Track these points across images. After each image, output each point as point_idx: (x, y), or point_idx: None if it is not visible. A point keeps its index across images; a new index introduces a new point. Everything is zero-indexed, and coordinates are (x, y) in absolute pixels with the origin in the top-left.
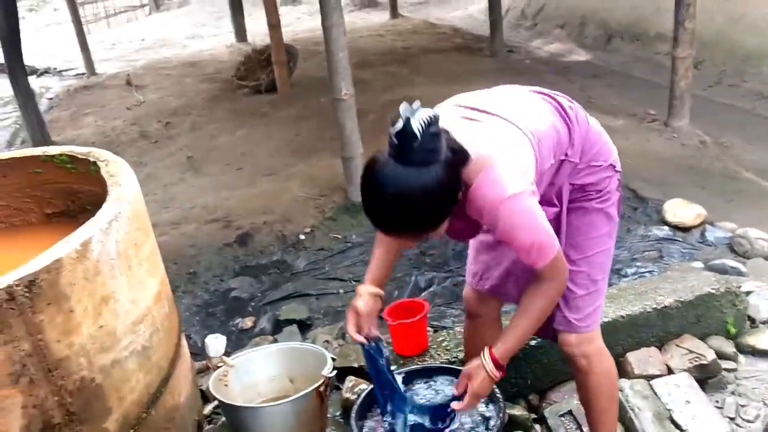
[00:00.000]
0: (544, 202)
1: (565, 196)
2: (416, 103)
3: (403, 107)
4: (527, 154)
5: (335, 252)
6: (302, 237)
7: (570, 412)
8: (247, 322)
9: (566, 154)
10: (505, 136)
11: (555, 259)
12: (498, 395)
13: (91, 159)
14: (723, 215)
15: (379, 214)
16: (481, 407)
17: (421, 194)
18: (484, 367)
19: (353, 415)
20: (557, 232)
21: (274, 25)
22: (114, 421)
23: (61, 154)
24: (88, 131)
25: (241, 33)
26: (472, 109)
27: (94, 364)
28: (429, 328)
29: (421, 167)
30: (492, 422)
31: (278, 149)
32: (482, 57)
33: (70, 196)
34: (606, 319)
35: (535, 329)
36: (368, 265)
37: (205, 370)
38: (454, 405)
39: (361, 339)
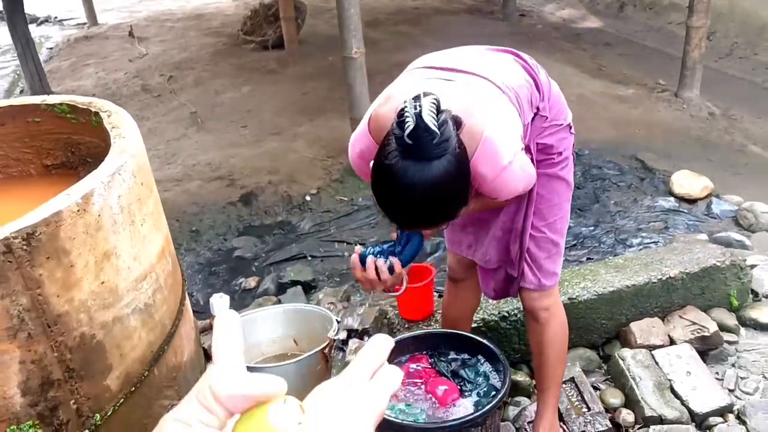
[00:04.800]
0: None
1: (533, 154)
2: (418, 97)
3: (409, 105)
4: (511, 111)
5: (341, 214)
6: (308, 198)
7: (572, 380)
8: (251, 282)
9: (538, 108)
10: (486, 95)
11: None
12: (504, 362)
13: (93, 109)
14: (729, 188)
15: (416, 216)
16: (491, 374)
17: (453, 181)
18: None
19: None
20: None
21: None
22: (115, 379)
23: (61, 104)
24: (89, 82)
25: None
26: (444, 69)
27: (95, 321)
28: (435, 293)
29: (441, 157)
30: (497, 391)
31: (285, 108)
32: (494, 20)
33: (70, 147)
34: (611, 289)
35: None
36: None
37: (208, 329)
38: None
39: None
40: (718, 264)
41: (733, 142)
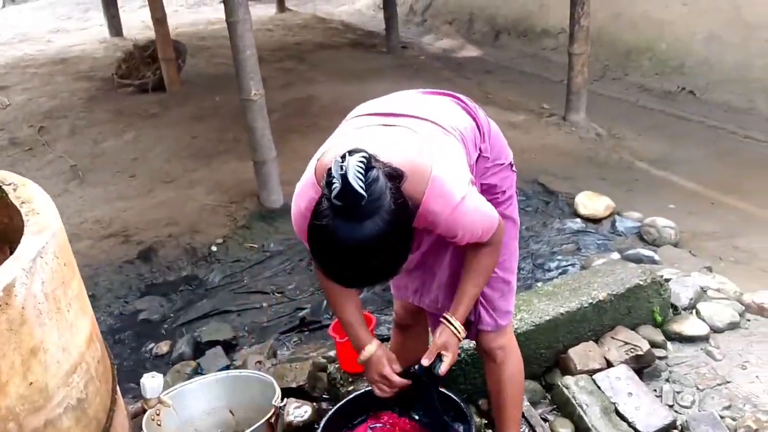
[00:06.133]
0: None
1: None
2: (344, 156)
3: (335, 165)
4: (457, 149)
5: (253, 263)
6: (214, 249)
7: (522, 414)
8: (162, 347)
9: (480, 149)
10: (430, 136)
11: (498, 227)
12: (469, 415)
13: None
14: (626, 205)
15: (356, 277)
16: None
17: (388, 239)
18: (454, 334)
19: None
20: None
21: (159, 19)
22: None
23: None
24: None
25: (115, 27)
26: (386, 115)
27: (25, 428)
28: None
29: (374, 215)
30: None
31: (175, 153)
32: (378, 53)
33: None
34: (547, 318)
35: (483, 287)
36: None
37: (141, 413)
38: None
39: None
40: (641, 283)
41: (621, 161)
